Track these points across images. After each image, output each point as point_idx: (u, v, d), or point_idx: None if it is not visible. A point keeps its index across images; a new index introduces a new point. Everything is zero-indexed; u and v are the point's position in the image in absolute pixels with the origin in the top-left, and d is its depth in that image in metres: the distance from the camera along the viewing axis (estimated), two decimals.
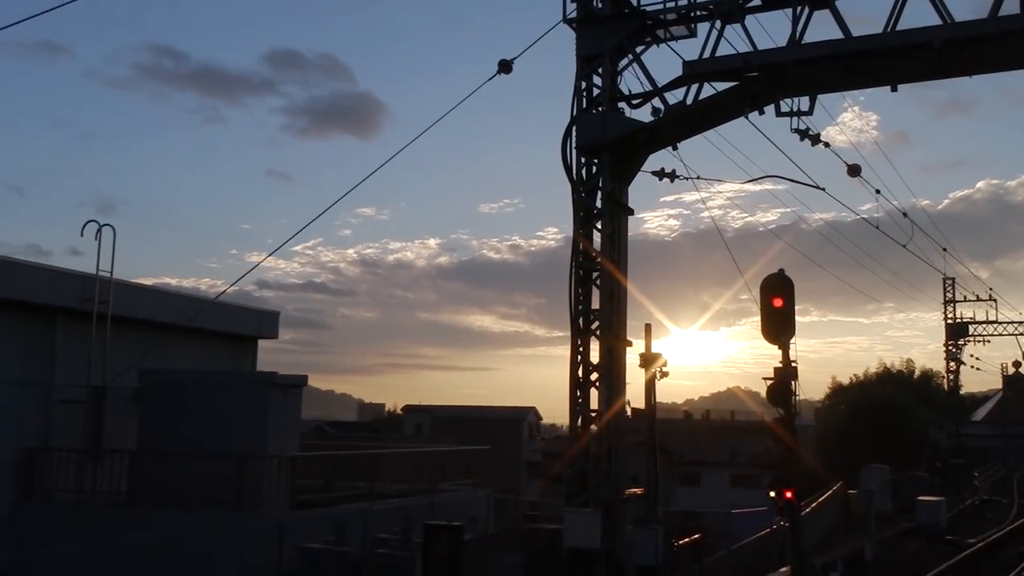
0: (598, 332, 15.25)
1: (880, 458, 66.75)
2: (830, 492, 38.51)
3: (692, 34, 15.81)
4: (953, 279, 54.83)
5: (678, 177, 15.60)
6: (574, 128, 15.46)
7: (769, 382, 20.31)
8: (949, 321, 56.71)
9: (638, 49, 15.94)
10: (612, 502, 14.70)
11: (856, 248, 36.72)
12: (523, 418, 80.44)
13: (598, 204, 15.64)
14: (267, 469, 18.89)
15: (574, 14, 15.73)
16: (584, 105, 15.63)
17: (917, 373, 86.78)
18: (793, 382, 20.79)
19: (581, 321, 15.21)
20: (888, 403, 72.82)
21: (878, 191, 19.57)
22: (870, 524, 25.63)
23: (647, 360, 23.87)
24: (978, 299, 54.60)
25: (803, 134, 14.69)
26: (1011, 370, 67.22)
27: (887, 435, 69.05)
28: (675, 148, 15.75)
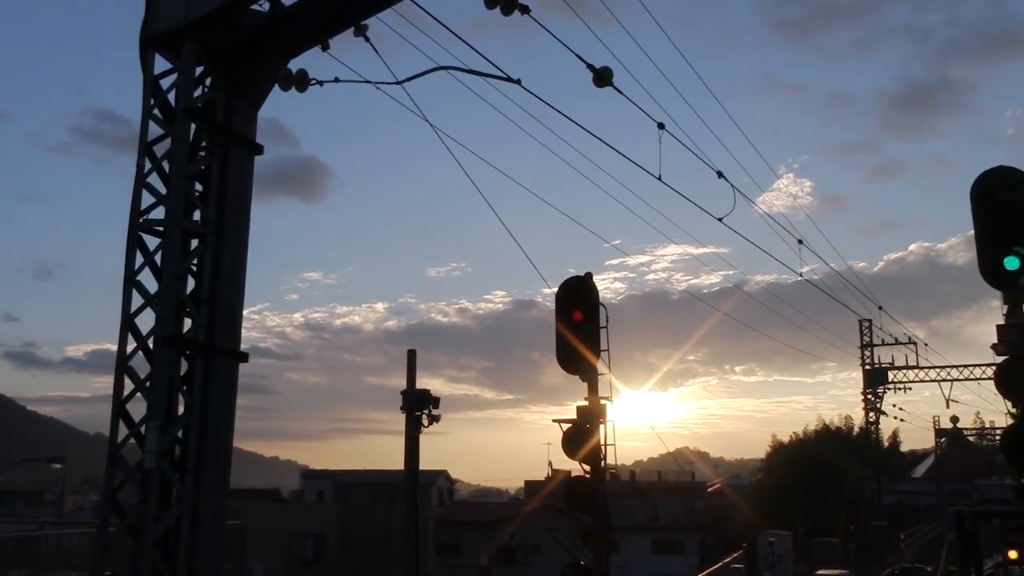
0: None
1: (815, 518, 62.64)
2: (720, 565, 32.53)
3: None
4: (870, 320, 48.80)
5: (315, 82, 9.78)
6: (153, 17, 9.69)
7: (566, 427, 14.54)
8: (867, 367, 50.65)
9: None
10: None
11: (794, 311, 32.41)
12: (432, 482, 73.40)
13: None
14: None
15: None
16: None
17: (856, 430, 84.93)
18: (601, 425, 14.91)
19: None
20: (823, 460, 70.47)
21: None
22: None
23: (412, 397, 17.95)
24: (896, 342, 48.11)
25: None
26: (947, 424, 62.73)
27: (823, 493, 66.31)
28: (325, 48, 9.94)
